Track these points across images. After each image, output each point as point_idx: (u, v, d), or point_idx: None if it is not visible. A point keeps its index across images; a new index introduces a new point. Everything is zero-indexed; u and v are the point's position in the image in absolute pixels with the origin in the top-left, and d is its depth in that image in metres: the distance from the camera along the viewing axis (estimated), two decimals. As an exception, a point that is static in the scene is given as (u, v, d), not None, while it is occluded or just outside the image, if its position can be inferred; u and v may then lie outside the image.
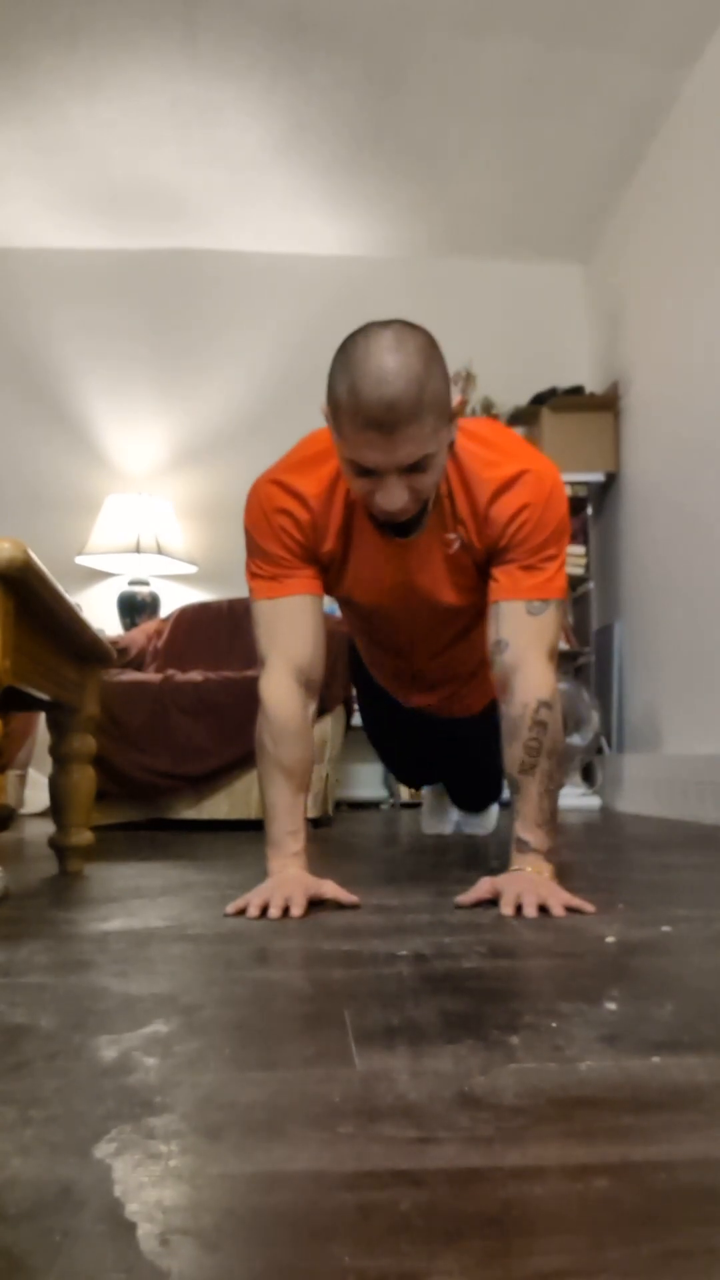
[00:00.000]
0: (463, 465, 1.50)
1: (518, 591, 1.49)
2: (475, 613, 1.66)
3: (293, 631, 1.52)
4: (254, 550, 1.56)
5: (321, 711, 3.15)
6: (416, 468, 1.33)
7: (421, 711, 2.03)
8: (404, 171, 4.08)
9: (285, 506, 1.52)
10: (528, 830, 1.45)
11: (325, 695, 2.89)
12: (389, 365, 1.26)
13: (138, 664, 3.77)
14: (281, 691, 1.50)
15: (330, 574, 1.59)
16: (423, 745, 2.19)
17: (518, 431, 4.59)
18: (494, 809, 2.58)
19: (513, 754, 1.47)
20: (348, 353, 1.31)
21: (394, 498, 1.34)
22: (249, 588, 1.58)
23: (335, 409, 1.32)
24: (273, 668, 1.52)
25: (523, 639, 1.48)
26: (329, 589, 1.61)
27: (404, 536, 1.47)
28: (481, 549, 1.53)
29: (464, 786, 2.36)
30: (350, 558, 1.57)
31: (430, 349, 1.32)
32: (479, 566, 1.56)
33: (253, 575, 1.56)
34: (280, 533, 1.52)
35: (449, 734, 2.10)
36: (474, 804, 2.46)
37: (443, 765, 2.30)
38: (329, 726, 3.26)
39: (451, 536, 1.53)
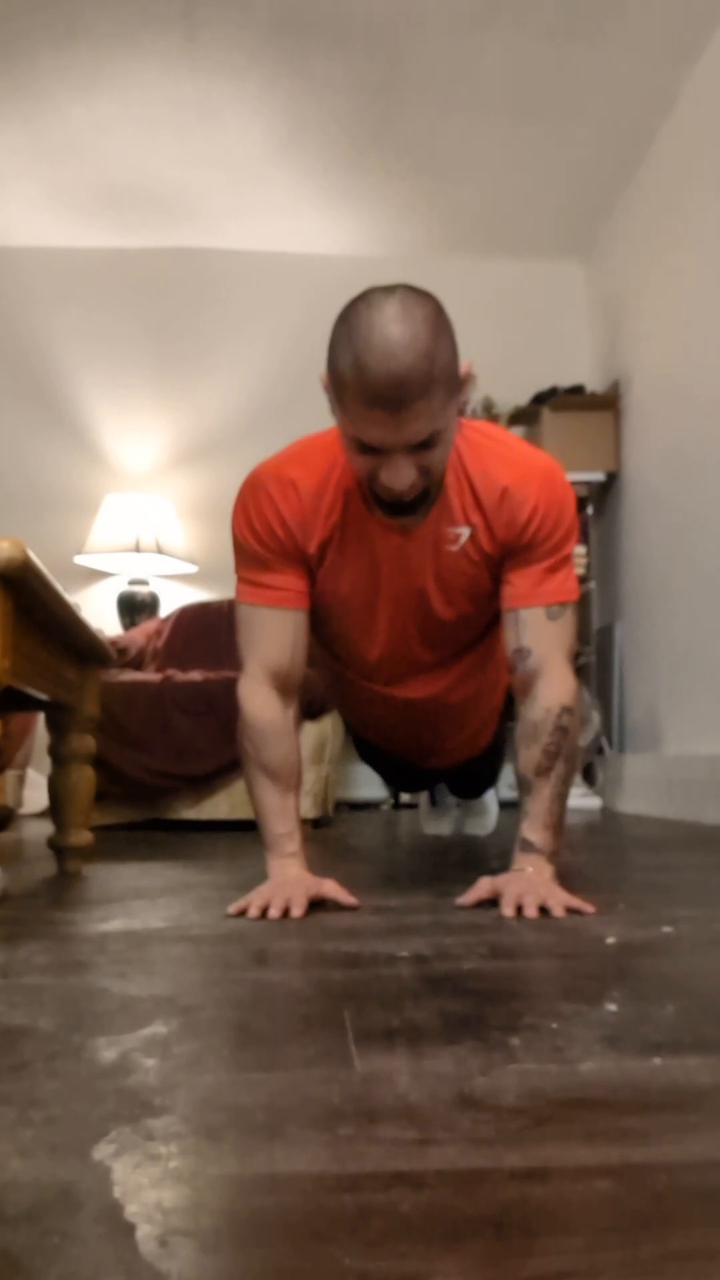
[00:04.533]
0: (473, 456, 1.44)
1: (538, 597, 1.45)
2: (467, 639, 1.59)
3: (270, 641, 1.48)
4: (236, 548, 1.51)
5: (319, 713, 3.15)
6: (425, 444, 1.26)
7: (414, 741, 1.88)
8: (403, 170, 4.07)
9: (271, 495, 1.45)
10: (534, 831, 1.44)
11: (321, 698, 2.88)
12: (395, 338, 1.18)
13: (137, 664, 3.77)
14: (259, 697, 1.48)
15: (317, 573, 1.49)
16: (415, 764, 2.06)
17: (517, 432, 4.60)
18: (494, 808, 2.57)
19: (530, 756, 1.45)
20: (350, 322, 1.23)
21: (401, 475, 1.27)
22: (236, 588, 1.53)
23: (337, 382, 1.24)
24: (250, 673, 1.50)
25: (545, 645, 1.45)
26: (312, 593, 1.53)
27: (408, 515, 1.38)
28: (494, 546, 1.45)
29: (462, 780, 2.34)
30: (341, 556, 1.47)
31: (438, 317, 1.24)
32: (486, 566, 1.49)
33: (238, 576, 1.52)
34: (261, 528, 1.45)
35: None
36: (472, 792, 2.43)
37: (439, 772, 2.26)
38: (328, 726, 3.26)
39: (458, 530, 1.44)
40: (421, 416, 1.21)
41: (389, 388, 1.18)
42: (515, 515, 1.43)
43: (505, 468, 1.44)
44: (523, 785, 1.47)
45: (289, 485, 1.45)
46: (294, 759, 1.50)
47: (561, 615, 1.46)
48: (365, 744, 1.99)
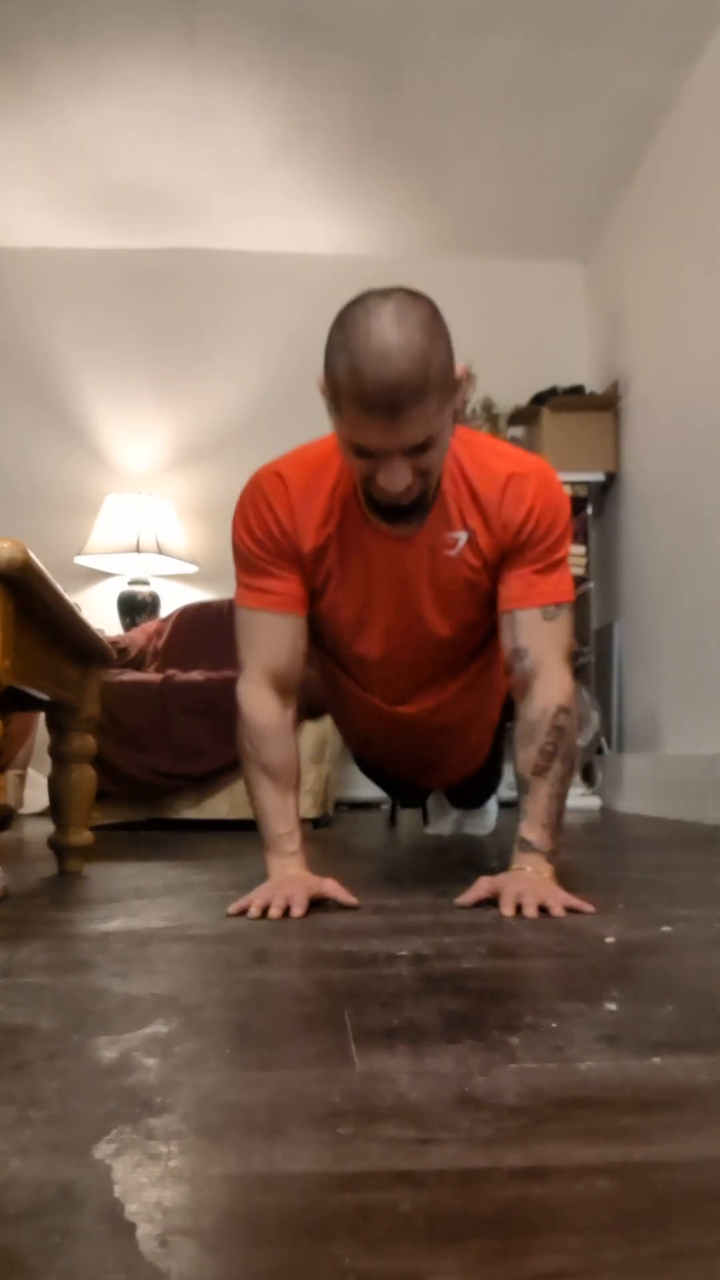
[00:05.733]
0: (469, 458, 1.46)
1: (534, 598, 1.46)
2: (465, 655, 1.61)
3: (268, 644, 1.49)
4: (235, 553, 1.52)
5: (319, 713, 3.15)
6: (422, 447, 1.27)
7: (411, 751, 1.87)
8: (404, 171, 4.07)
9: (265, 492, 1.47)
10: (533, 830, 1.44)
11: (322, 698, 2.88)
12: (390, 343, 1.20)
13: (138, 664, 3.77)
14: (258, 698, 1.49)
15: (314, 581, 1.51)
16: (415, 781, 2.09)
17: (517, 433, 4.60)
18: (494, 808, 2.57)
19: (527, 756, 1.46)
20: (346, 327, 1.25)
21: (397, 478, 1.28)
22: (235, 592, 1.54)
23: (333, 387, 1.26)
24: (248, 675, 1.51)
25: (541, 645, 1.46)
26: (312, 609, 1.54)
27: (405, 521, 1.39)
28: (493, 549, 1.46)
29: (461, 792, 2.34)
30: (339, 566, 1.48)
31: (433, 321, 1.26)
32: (485, 571, 1.49)
33: (238, 581, 1.53)
34: (257, 527, 1.47)
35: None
36: (473, 801, 2.44)
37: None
38: (328, 726, 3.25)
39: (455, 535, 1.46)
40: (417, 421, 1.23)
41: (384, 393, 1.20)
42: (512, 514, 1.44)
43: (504, 463, 1.47)
44: (521, 785, 1.48)
45: (279, 481, 1.47)
46: (293, 758, 1.50)
47: (558, 616, 1.47)
48: (365, 760, 1.99)
